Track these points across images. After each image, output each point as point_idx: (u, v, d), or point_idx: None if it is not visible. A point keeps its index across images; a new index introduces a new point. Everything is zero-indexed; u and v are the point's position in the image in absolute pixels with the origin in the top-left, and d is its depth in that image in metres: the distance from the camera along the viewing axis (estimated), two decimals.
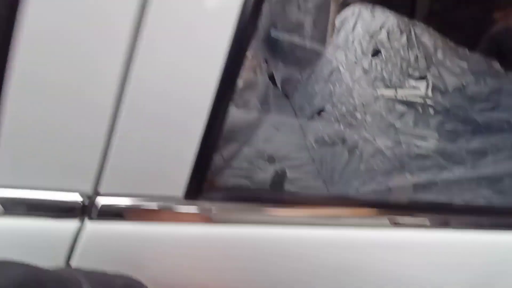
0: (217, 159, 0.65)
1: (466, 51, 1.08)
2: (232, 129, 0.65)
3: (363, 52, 1.45)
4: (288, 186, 0.74)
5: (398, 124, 1.12)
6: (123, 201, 0.47)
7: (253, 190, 0.56)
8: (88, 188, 0.45)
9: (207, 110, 0.43)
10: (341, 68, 1.52)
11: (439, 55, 1.11)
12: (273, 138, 1.45)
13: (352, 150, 1.22)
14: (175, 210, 0.48)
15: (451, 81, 1.00)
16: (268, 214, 0.53)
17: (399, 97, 1.17)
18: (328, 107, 1.48)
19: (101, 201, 0.46)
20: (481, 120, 0.92)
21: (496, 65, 0.99)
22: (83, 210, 0.45)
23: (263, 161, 1.32)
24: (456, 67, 1.03)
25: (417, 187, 0.97)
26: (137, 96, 0.41)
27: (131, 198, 0.47)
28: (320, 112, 1.50)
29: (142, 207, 0.47)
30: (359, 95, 1.34)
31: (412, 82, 1.14)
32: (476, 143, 0.92)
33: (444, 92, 1.01)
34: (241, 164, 1.27)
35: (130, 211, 0.47)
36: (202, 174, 0.47)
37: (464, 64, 1.01)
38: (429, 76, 1.08)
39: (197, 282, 0.50)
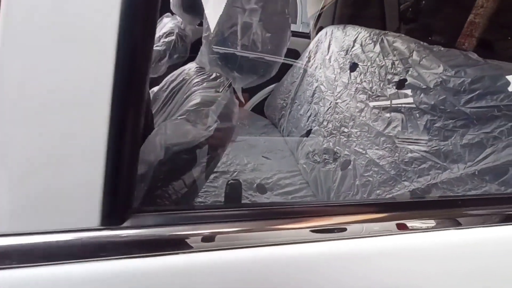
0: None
1: (441, 48, 1.06)
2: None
3: (341, 68, 1.44)
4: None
5: (387, 131, 1.07)
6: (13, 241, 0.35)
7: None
8: None
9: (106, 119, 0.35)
10: (322, 87, 1.50)
11: (415, 56, 1.09)
12: (263, 166, 1.40)
13: (345, 165, 1.16)
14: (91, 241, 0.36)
15: (431, 78, 0.97)
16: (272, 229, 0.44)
17: (383, 105, 1.13)
18: (315, 127, 1.44)
19: None
20: (470, 111, 0.87)
21: (474, 55, 0.96)
22: None
23: (253, 191, 1.25)
24: (433, 64, 1.00)
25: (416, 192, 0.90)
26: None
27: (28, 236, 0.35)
28: (308, 133, 1.45)
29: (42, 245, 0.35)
30: (344, 110, 1.30)
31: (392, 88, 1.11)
32: (470, 136, 0.86)
33: (426, 90, 0.97)
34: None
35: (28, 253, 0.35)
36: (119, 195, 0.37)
37: (441, 60, 0.98)
38: (408, 78, 1.05)
39: None
